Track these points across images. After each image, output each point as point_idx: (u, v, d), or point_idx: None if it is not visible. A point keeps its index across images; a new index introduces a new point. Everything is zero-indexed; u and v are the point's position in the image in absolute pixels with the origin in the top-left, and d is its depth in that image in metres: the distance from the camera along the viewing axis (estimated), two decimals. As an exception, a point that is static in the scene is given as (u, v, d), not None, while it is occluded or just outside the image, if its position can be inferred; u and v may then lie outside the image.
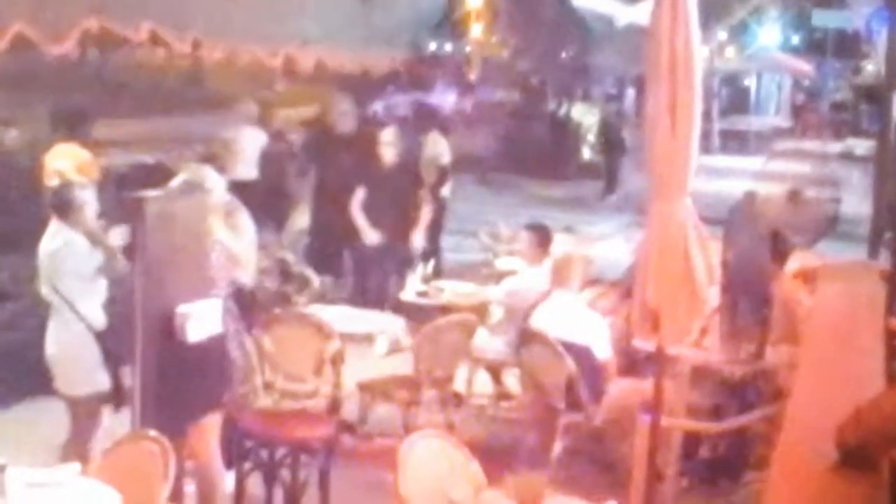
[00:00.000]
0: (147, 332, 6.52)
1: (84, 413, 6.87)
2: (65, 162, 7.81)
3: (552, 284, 7.93)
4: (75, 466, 5.28)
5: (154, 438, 5.26)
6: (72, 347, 6.81)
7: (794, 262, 8.01)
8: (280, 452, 6.81)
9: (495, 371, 8.80)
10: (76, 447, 6.69)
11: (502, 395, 8.85)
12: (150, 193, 6.83)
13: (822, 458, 5.36)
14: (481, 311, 8.83)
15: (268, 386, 7.71)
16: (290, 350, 7.78)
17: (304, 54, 4.53)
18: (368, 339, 8.41)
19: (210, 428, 6.64)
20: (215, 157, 8.59)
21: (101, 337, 6.78)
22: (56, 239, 6.81)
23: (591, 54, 25.05)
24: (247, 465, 6.85)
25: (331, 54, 4.67)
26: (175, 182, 6.82)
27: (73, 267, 6.77)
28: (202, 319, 6.73)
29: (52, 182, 7.13)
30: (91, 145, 9.08)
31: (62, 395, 7.01)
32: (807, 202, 9.89)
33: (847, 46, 46.37)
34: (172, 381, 6.59)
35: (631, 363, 7.63)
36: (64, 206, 6.87)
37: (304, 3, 4.65)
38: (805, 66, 41.98)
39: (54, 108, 10.08)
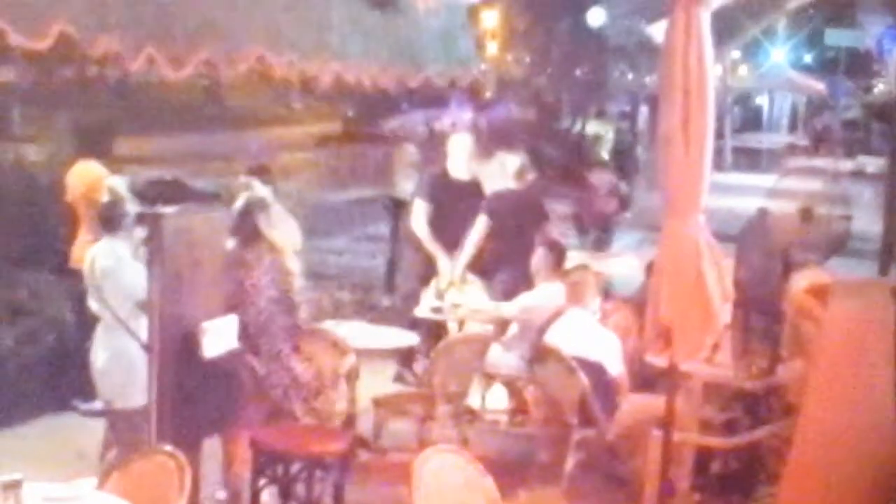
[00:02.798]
0: (164, 348, 6.59)
1: (126, 427, 6.94)
2: (113, 179, 7.93)
3: (567, 302, 7.99)
4: (91, 481, 5.31)
5: (170, 453, 5.27)
6: (122, 361, 6.92)
7: (806, 279, 8.05)
8: (295, 467, 6.81)
9: (512, 386, 8.82)
10: (117, 459, 6.75)
11: (519, 410, 8.86)
12: (168, 210, 6.91)
13: (833, 473, 5.41)
14: (497, 326, 8.84)
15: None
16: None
17: (324, 72, 4.60)
18: (381, 354, 8.44)
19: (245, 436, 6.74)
20: (263, 171, 8.64)
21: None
22: (108, 256, 6.94)
23: (605, 72, 25.12)
24: (262, 480, 6.85)
25: (350, 71, 4.74)
26: (238, 203, 6.95)
27: (124, 283, 6.86)
28: (219, 335, 6.79)
29: (103, 198, 7.26)
30: (111, 162, 9.16)
31: (107, 408, 7.13)
32: (818, 219, 9.90)
33: (859, 65, 46.36)
34: (188, 397, 6.65)
35: (646, 379, 7.66)
36: (115, 221, 7.00)
37: (325, 18, 4.71)
38: (817, 85, 41.99)
39: (75, 125, 10.18)
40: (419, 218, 9.92)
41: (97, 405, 8.78)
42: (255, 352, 7.02)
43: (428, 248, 9.79)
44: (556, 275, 8.69)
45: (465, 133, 11.53)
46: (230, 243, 7.02)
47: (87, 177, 8.76)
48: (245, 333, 6.88)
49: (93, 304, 7.12)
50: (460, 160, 10.02)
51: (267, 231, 7.07)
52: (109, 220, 7.05)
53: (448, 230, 9.73)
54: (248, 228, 7.05)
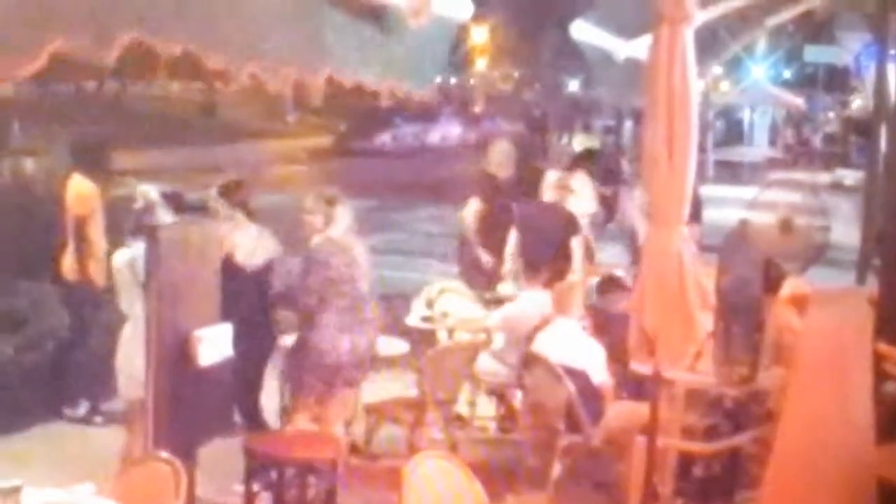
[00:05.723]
0: (160, 355, 6.70)
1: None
2: (146, 186, 8.14)
3: (554, 311, 8.11)
4: (90, 486, 5.36)
5: (166, 459, 5.31)
6: None
7: (786, 288, 8.15)
8: (289, 473, 6.88)
9: (500, 394, 8.94)
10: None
11: (507, 417, 8.98)
12: (164, 221, 7.05)
13: (813, 477, 5.52)
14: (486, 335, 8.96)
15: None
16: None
17: (318, 85, 4.68)
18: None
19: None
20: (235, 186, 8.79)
21: None
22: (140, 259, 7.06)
23: (591, 87, 25.24)
24: (256, 486, 6.92)
25: (345, 86, 4.83)
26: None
27: None
28: (214, 343, 6.92)
29: (136, 204, 7.48)
30: (108, 175, 9.28)
31: (92, 413, 7.16)
32: (798, 230, 9.99)
33: (837, 81, 46.71)
34: (184, 404, 6.77)
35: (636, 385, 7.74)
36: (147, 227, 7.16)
37: (320, 32, 4.81)
38: (797, 100, 42.21)
39: (73, 138, 10.28)
40: (468, 215, 10.76)
41: (81, 410, 8.93)
42: None
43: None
44: (539, 284, 8.82)
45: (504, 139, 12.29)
46: None
47: (78, 192, 8.90)
48: None
49: (122, 304, 7.31)
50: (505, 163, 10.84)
51: None
52: (142, 226, 7.20)
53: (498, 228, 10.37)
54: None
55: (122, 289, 7.32)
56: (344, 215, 7.55)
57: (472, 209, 10.78)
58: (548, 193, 10.64)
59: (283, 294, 8.09)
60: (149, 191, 7.60)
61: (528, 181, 10.81)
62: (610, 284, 9.18)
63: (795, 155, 41.13)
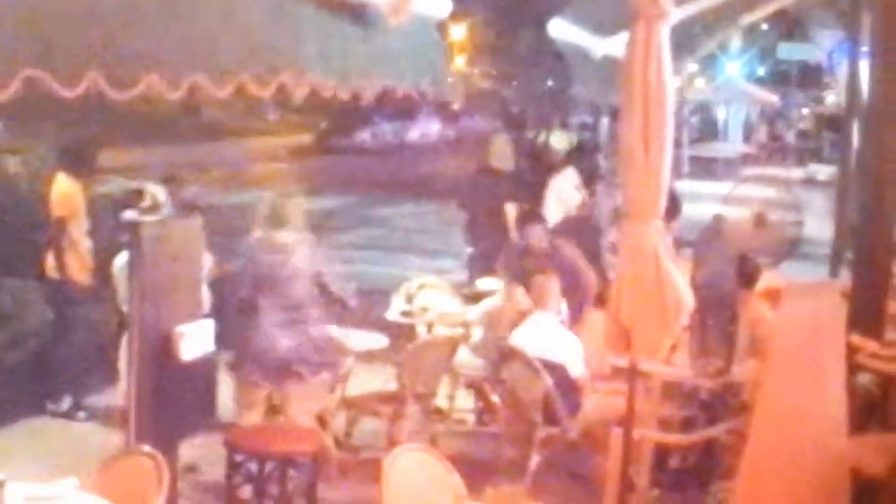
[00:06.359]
0: (142, 351, 6.76)
1: None
2: (153, 187, 8.22)
3: (532, 305, 8.18)
4: (73, 481, 5.33)
5: (148, 453, 5.37)
6: None
7: (760, 282, 8.25)
8: (269, 466, 6.89)
9: (479, 387, 9.00)
10: None
11: (485, 410, 9.04)
12: (146, 218, 7.10)
13: (787, 468, 5.58)
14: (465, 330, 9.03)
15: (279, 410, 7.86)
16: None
17: (300, 84, 4.71)
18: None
19: None
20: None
21: None
22: None
23: (569, 84, 25.29)
24: (237, 479, 6.95)
25: (325, 83, 4.84)
26: None
27: None
28: (196, 339, 6.98)
29: (144, 203, 7.59)
30: (93, 173, 9.32)
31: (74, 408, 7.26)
32: (771, 225, 10.11)
33: (810, 78, 47.03)
34: (166, 398, 6.82)
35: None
36: None
37: (300, 31, 4.83)
38: (770, 97, 42.37)
39: (58, 137, 10.31)
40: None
41: (64, 405, 8.98)
42: None
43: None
44: (518, 279, 8.88)
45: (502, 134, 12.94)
46: None
47: (62, 191, 8.94)
48: None
49: (124, 306, 7.46)
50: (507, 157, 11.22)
51: None
52: None
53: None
54: None
55: (123, 291, 7.40)
56: (290, 215, 7.62)
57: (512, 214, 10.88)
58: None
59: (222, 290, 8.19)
60: (156, 192, 7.70)
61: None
62: (529, 217, 9.41)
63: (769, 151, 41.31)
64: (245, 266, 7.53)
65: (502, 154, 11.27)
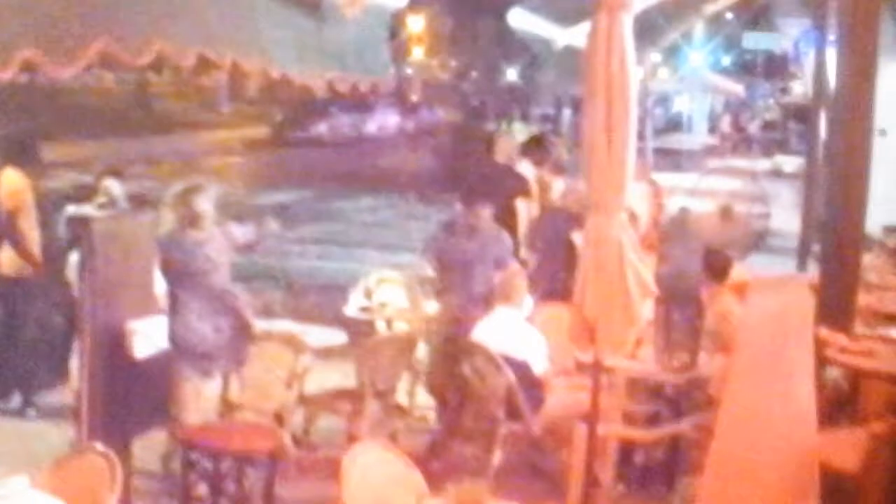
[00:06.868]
0: (94, 348, 6.63)
1: None
2: (110, 181, 8.07)
3: (495, 300, 8.07)
4: (24, 479, 5.31)
5: (101, 452, 5.27)
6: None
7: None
8: (225, 464, 6.75)
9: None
10: None
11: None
12: (97, 213, 6.96)
13: (754, 463, 5.53)
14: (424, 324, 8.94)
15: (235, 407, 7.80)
16: (261, 365, 7.89)
17: (253, 76, 4.62)
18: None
19: None
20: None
21: None
22: None
23: (530, 75, 25.35)
24: (192, 476, 6.79)
25: (280, 75, 4.75)
26: None
27: None
28: (149, 336, 6.86)
29: (99, 199, 7.48)
30: (38, 168, 9.14)
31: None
32: (737, 217, 10.07)
33: (776, 67, 47.29)
34: (119, 396, 6.69)
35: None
36: None
37: (253, 21, 4.72)
38: (735, 87, 42.59)
39: (4, 131, 10.12)
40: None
41: (14, 403, 8.85)
42: None
43: None
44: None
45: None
46: None
47: (9, 185, 8.77)
48: None
49: None
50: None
51: None
52: None
53: None
54: None
55: (76, 287, 7.28)
56: (199, 208, 7.48)
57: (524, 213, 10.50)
58: None
59: None
60: (112, 187, 7.59)
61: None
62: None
63: (734, 142, 41.47)
64: (161, 262, 7.40)
65: (510, 151, 11.05)
